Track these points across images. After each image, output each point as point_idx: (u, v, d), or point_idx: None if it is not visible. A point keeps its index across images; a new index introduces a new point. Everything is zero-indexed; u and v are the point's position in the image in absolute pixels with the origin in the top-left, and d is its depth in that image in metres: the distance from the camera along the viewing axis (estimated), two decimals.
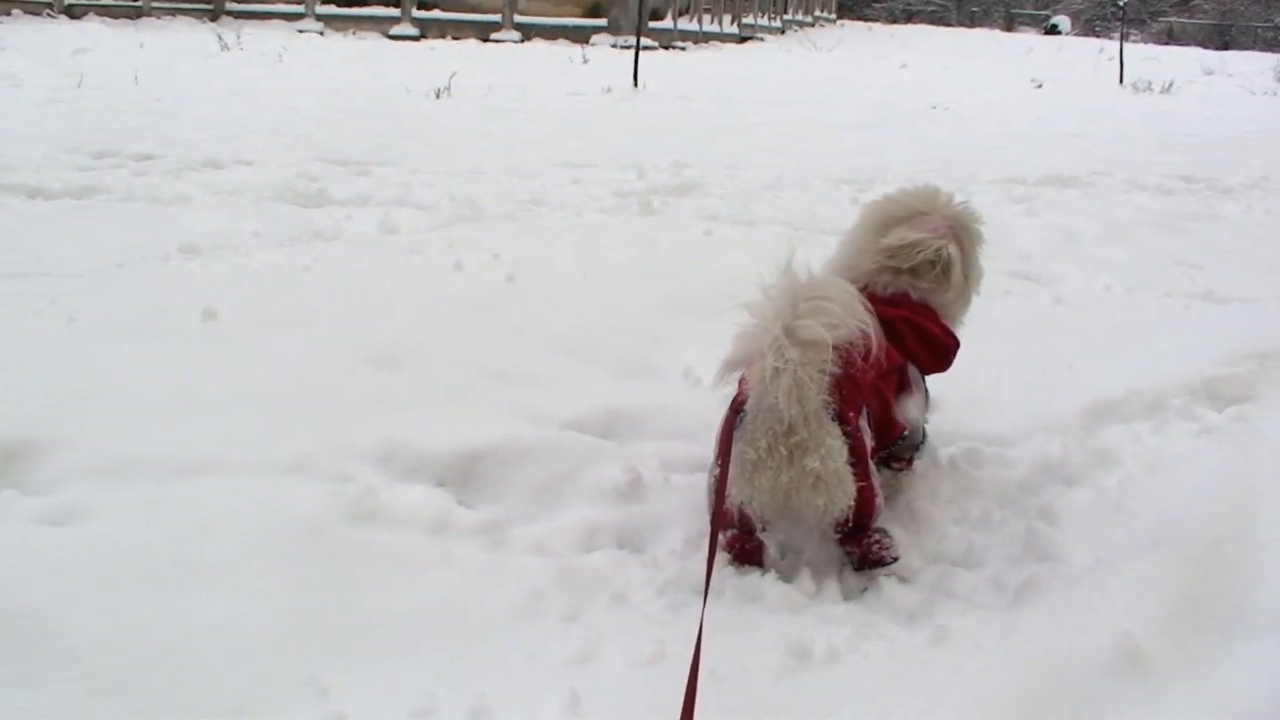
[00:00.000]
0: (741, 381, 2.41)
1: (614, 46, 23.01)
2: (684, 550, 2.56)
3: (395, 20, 25.10)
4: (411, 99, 11.53)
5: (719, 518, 2.34)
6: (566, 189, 6.68)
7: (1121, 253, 5.55)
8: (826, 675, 2.10)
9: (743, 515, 2.42)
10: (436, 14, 25.32)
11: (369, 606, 2.27)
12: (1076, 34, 41.50)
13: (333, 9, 25.30)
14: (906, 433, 2.73)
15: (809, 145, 9.21)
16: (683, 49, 25.09)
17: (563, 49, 22.13)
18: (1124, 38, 21.46)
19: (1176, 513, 2.60)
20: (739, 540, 2.48)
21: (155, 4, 24.12)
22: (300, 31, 23.66)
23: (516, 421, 3.09)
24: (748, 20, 30.81)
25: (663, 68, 17.38)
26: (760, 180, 7.25)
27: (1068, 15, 45.22)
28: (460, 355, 3.58)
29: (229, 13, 25.06)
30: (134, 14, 23.58)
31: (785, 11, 34.82)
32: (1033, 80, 18.22)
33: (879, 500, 2.48)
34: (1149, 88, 17.04)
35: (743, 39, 29.67)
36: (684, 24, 27.07)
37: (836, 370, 2.31)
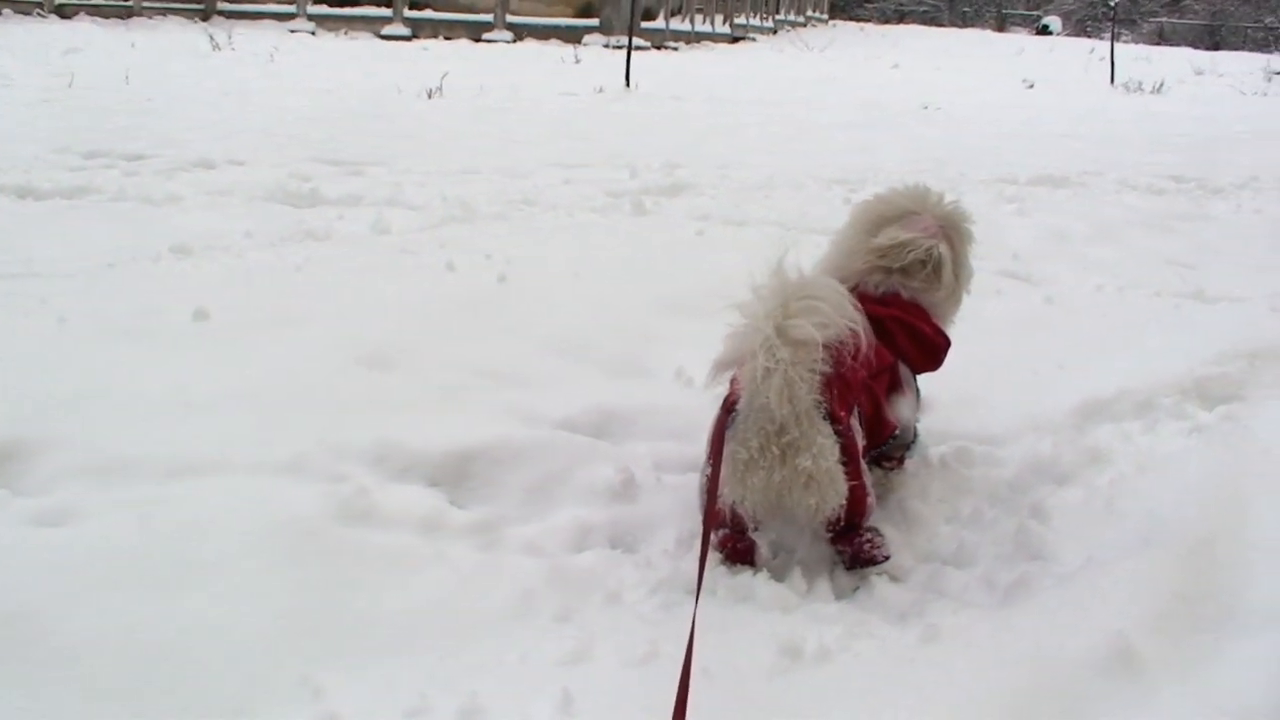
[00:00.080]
0: (733, 381, 2.41)
1: (606, 46, 23.01)
2: (676, 550, 2.56)
3: (387, 20, 25.03)
4: (403, 99, 11.51)
5: (711, 517, 2.34)
6: (558, 189, 6.67)
7: (1112, 252, 5.57)
8: (818, 674, 2.10)
9: (735, 515, 2.43)
10: (428, 14, 25.26)
11: (363, 607, 2.27)
12: (1068, 34, 41.53)
13: (324, 9, 25.20)
14: (898, 432, 2.74)
15: (801, 145, 9.21)
16: (675, 49, 25.08)
17: (555, 49, 22.12)
18: (1115, 38, 21.49)
19: (1167, 511, 2.60)
20: (731, 540, 2.49)
21: (146, 4, 24.02)
22: (292, 31, 23.54)
23: (509, 421, 3.09)
24: (740, 20, 30.81)
25: (655, 68, 17.37)
26: (752, 180, 7.25)
27: (1059, 16, 45.26)
28: (452, 355, 3.58)
29: (220, 12, 24.93)
30: (125, 14, 23.49)
31: (777, 11, 34.84)
32: (1024, 80, 18.25)
33: (870, 499, 2.48)
34: (1140, 88, 17.09)
35: (735, 39, 29.67)
36: (676, 24, 27.05)
37: (828, 369, 2.31)
